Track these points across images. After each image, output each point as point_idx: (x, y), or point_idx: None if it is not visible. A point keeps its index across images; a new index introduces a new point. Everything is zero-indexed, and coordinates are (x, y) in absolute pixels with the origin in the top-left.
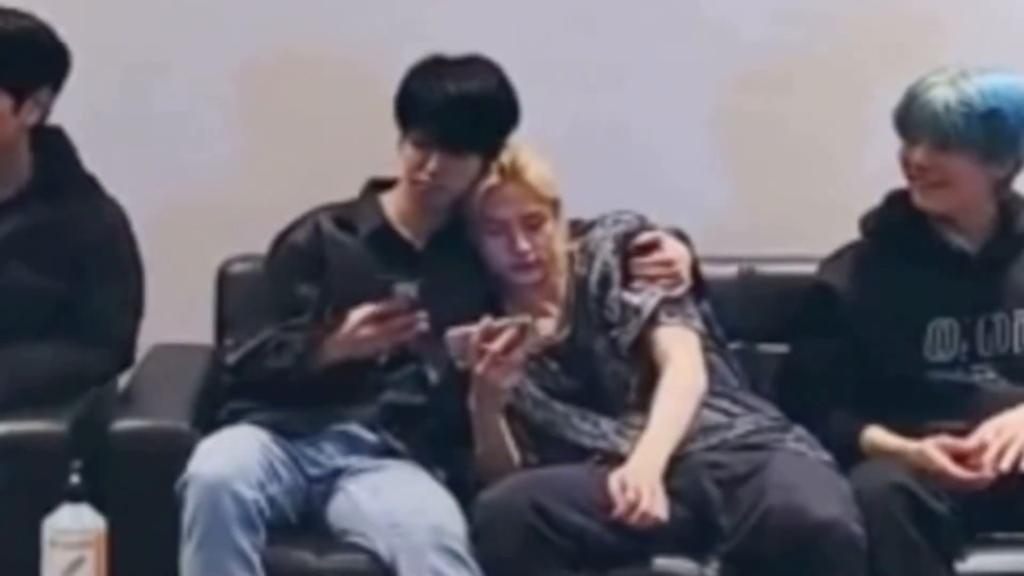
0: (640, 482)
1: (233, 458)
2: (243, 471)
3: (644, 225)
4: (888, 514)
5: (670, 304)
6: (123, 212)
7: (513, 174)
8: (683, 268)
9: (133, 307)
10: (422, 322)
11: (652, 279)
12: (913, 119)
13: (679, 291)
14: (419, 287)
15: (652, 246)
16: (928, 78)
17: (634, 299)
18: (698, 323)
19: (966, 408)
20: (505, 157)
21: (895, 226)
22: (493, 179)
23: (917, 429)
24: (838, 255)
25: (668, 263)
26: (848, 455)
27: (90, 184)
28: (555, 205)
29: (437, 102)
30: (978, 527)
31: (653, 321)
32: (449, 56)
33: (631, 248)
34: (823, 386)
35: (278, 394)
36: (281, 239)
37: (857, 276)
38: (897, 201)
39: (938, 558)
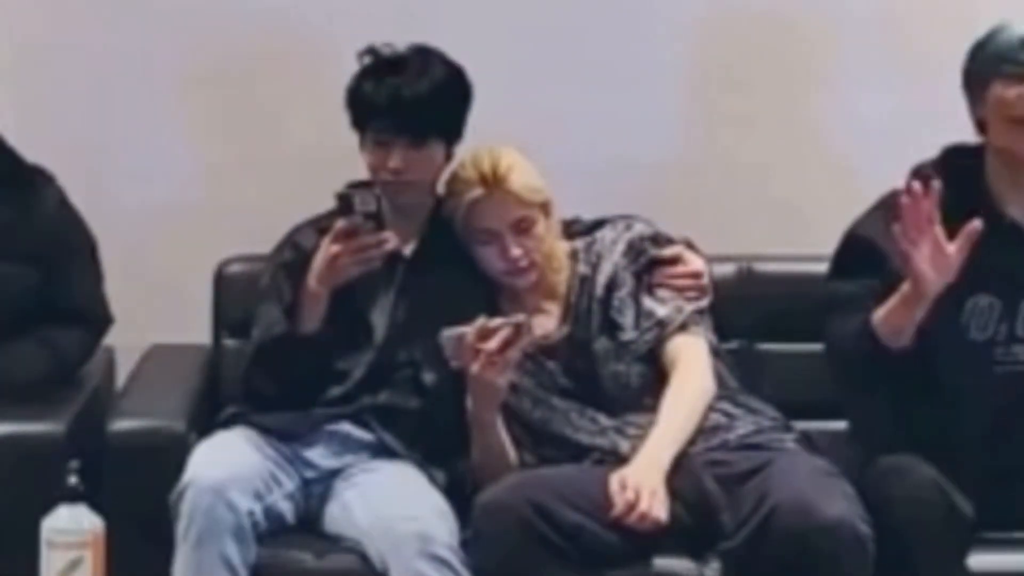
0: (640, 482)
1: (231, 466)
2: (240, 480)
3: (659, 233)
4: (920, 514)
5: (696, 315)
6: (61, 190)
7: (496, 183)
8: (707, 280)
9: (98, 276)
10: (390, 242)
11: (680, 290)
12: (1021, 55)
13: (705, 303)
14: (376, 199)
15: (677, 258)
16: (1008, 23)
17: (660, 309)
18: (711, 334)
19: (995, 391)
20: (486, 166)
21: (949, 186)
22: (476, 191)
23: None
24: (880, 206)
25: (697, 275)
26: (868, 348)
27: (29, 171)
28: (544, 207)
29: (391, 99)
30: (988, 527)
31: (676, 330)
32: (387, 51)
33: (656, 258)
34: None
35: (287, 376)
36: (268, 262)
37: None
38: (958, 157)
39: (960, 558)
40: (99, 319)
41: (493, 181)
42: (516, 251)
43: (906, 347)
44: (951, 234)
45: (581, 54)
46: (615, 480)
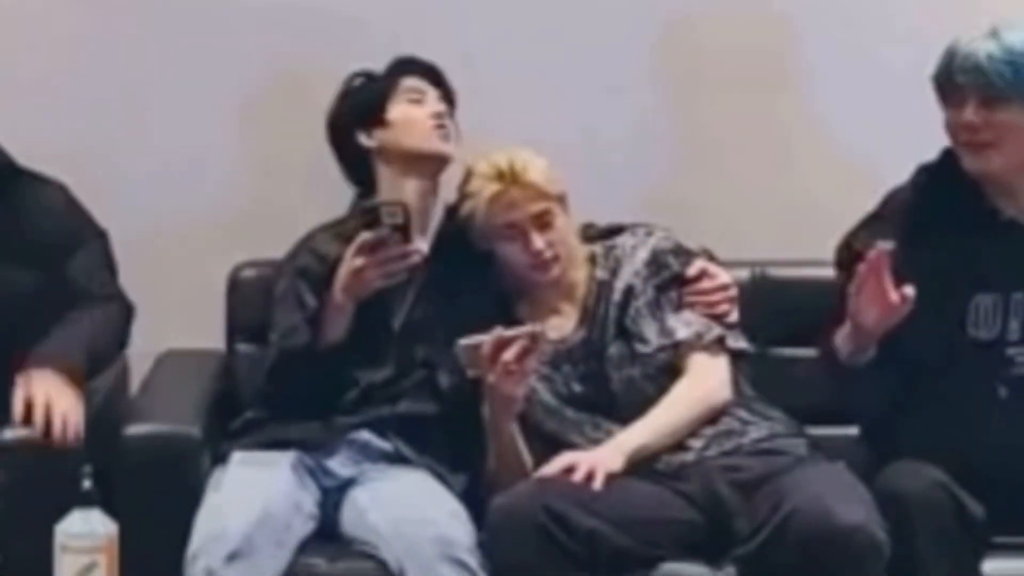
0: (594, 463)
1: (246, 525)
2: (254, 542)
3: (679, 244)
4: (930, 512)
5: (721, 340)
6: (63, 186)
7: (514, 178)
8: (736, 291)
9: (107, 267)
10: (415, 254)
11: (713, 305)
12: (956, 77)
13: (736, 316)
14: (403, 211)
15: (702, 273)
16: (961, 38)
17: (681, 330)
18: (743, 341)
19: (1007, 388)
20: (502, 162)
21: (945, 185)
22: (494, 187)
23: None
24: (875, 216)
25: (726, 288)
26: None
27: (24, 174)
28: (562, 200)
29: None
30: (1002, 532)
31: (694, 350)
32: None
33: (681, 276)
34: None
35: (309, 385)
36: (282, 267)
37: (901, 237)
38: (956, 157)
39: (973, 561)
40: (118, 301)
41: (510, 176)
42: (539, 243)
43: (868, 362)
44: (949, 234)
45: (591, 60)
46: (567, 457)
